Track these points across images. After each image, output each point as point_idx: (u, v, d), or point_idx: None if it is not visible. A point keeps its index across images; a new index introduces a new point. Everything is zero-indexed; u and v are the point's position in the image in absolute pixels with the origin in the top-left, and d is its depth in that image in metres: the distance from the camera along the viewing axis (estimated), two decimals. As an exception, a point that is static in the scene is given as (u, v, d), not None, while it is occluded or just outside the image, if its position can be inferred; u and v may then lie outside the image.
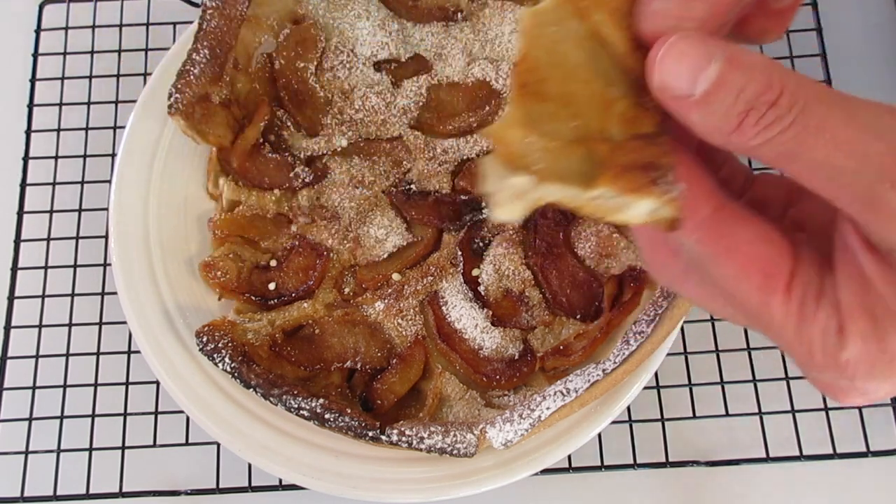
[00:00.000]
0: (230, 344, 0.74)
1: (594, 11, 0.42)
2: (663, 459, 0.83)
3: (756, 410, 0.83)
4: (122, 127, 0.86)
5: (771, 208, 0.46)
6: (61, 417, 0.86)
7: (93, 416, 0.86)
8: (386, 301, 0.80)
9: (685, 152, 0.43)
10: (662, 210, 0.41)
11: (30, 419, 0.86)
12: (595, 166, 0.42)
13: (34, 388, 0.87)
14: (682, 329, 0.83)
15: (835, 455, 0.81)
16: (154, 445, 0.84)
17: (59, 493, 0.83)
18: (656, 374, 0.84)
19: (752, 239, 0.41)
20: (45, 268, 0.91)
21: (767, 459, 0.82)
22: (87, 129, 0.97)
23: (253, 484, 0.82)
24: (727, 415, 0.84)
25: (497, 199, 0.42)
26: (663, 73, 0.39)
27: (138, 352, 0.81)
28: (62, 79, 0.99)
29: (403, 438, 0.70)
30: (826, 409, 0.83)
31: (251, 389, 0.72)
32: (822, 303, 0.39)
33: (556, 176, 0.41)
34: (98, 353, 0.88)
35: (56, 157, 0.96)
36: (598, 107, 0.42)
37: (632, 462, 0.82)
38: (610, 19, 0.42)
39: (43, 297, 0.90)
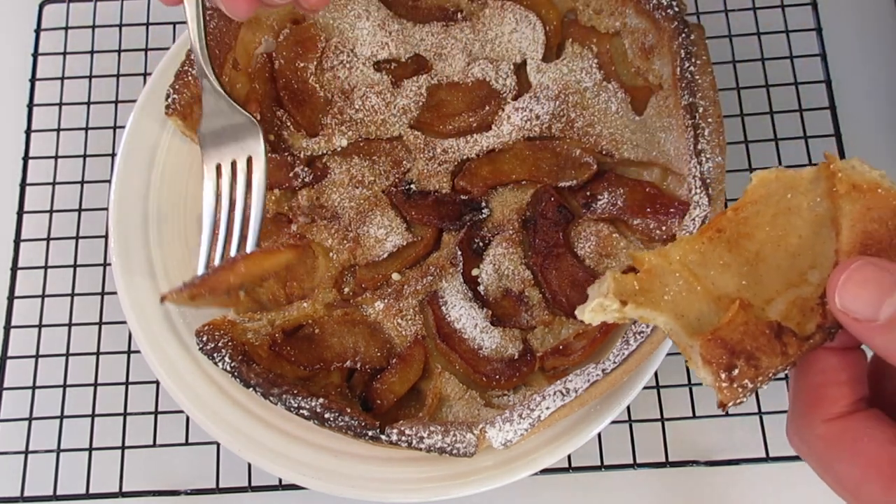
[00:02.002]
0: (230, 343, 0.74)
1: (847, 201, 0.44)
2: (663, 459, 0.83)
3: (756, 410, 0.83)
4: (122, 127, 0.86)
5: None
6: (61, 417, 0.86)
7: (93, 415, 0.86)
8: (386, 301, 0.80)
9: (836, 356, 0.44)
10: (715, 390, 0.43)
11: (30, 419, 0.86)
12: (710, 322, 0.44)
13: (34, 387, 0.87)
14: (681, 329, 0.83)
15: (835, 455, 0.81)
16: (154, 445, 0.84)
17: (59, 493, 0.83)
18: (656, 374, 0.84)
19: (882, 440, 0.41)
20: (45, 268, 0.91)
21: (767, 459, 0.82)
22: (87, 129, 0.97)
23: (253, 484, 0.82)
24: (727, 415, 0.84)
25: (588, 305, 0.46)
26: (845, 297, 0.40)
27: (138, 352, 0.81)
28: (62, 79, 0.99)
29: (403, 438, 0.70)
30: (826, 409, 0.83)
31: (251, 389, 0.72)
32: None
33: (674, 312, 0.44)
34: (98, 353, 0.88)
35: (56, 157, 0.96)
36: (785, 281, 0.44)
37: (632, 462, 0.82)
38: (858, 215, 0.43)
39: (43, 296, 0.90)
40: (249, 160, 0.75)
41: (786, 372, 0.44)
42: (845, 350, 0.44)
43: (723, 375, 0.42)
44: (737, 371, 0.42)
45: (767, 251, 0.45)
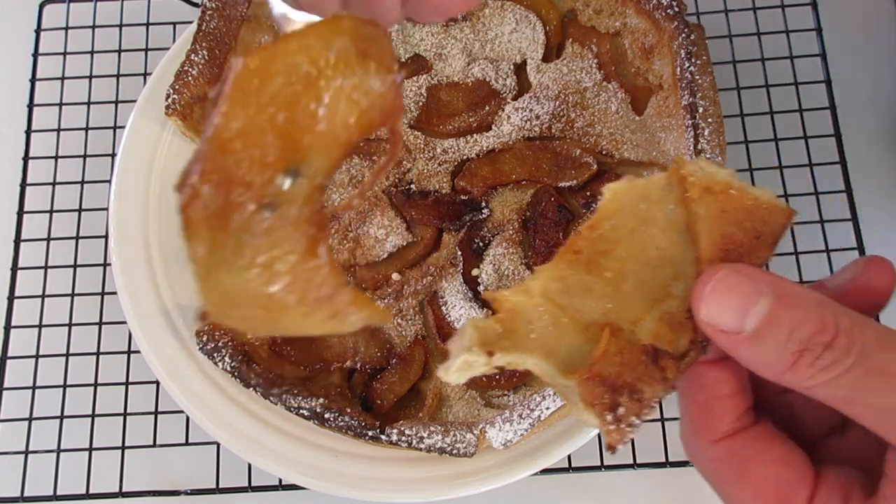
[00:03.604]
0: (230, 343, 0.74)
1: (701, 205, 0.41)
2: (663, 459, 0.82)
3: (756, 410, 0.83)
4: (122, 127, 0.86)
5: (816, 427, 0.44)
6: (61, 417, 0.86)
7: (93, 415, 0.86)
8: (386, 301, 0.81)
9: (714, 369, 0.42)
10: (602, 434, 0.40)
11: (30, 419, 0.86)
12: (584, 356, 0.40)
13: (34, 387, 0.87)
14: (681, 329, 0.83)
15: (835, 455, 0.81)
16: (154, 445, 0.84)
17: (59, 493, 0.83)
18: (656, 374, 0.84)
19: (770, 461, 0.40)
20: (45, 268, 0.91)
21: (767, 459, 0.82)
22: (87, 129, 0.97)
23: (253, 484, 0.82)
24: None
25: (452, 364, 0.41)
26: (711, 309, 0.38)
27: (138, 352, 0.81)
28: (62, 79, 0.99)
29: (403, 438, 0.70)
30: (826, 409, 0.83)
31: (251, 389, 0.72)
32: None
33: (543, 351, 0.40)
34: (98, 353, 0.88)
35: (56, 157, 0.96)
36: (650, 297, 0.41)
37: (632, 462, 0.82)
38: (714, 219, 0.40)
39: (43, 296, 0.90)
40: None
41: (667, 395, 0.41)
42: (722, 361, 0.42)
43: (609, 417, 0.39)
44: (622, 409, 0.39)
45: (629, 268, 0.41)
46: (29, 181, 0.95)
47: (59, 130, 0.97)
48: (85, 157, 0.96)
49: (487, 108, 0.86)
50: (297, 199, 0.39)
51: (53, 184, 0.95)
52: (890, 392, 0.35)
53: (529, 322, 0.41)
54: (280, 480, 0.82)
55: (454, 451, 0.69)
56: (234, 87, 0.36)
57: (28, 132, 0.97)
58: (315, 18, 0.49)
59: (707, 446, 0.41)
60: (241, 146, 0.37)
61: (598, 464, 0.82)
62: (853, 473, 0.41)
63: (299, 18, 0.49)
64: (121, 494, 0.83)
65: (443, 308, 0.80)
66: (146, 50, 0.99)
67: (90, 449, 0.84)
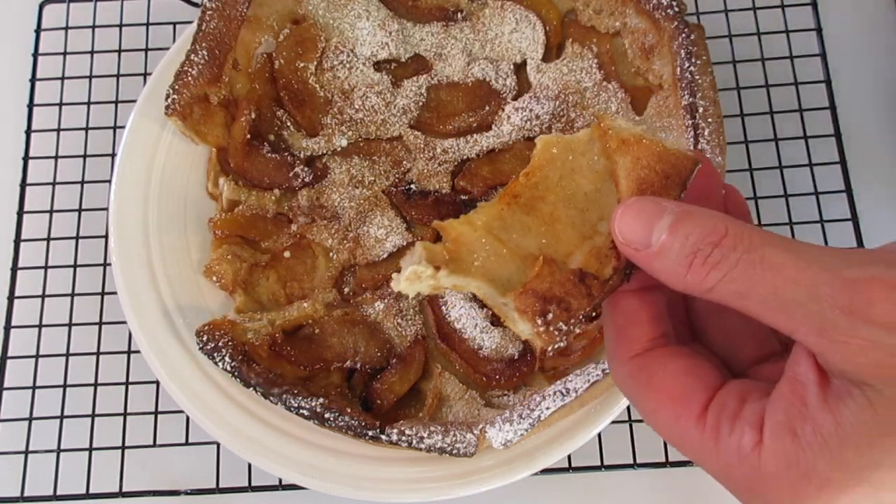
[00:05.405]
0: (230, 343, 0.74)
1: (619, 155, 0.48)
2: (663, 459, 0.83)
3: (756, 410, 0.83)
4: (122, 127, 0.86)
5: (746, 356, 0.49)
6: (61, 417, 0.86)
7: (93, 415, 0.86)
8: (386, 301, 0.81)
9: (634, 298, 0.48)
10: (534, 338, 0.46)
11: (30, 419, 0.86)
12: (521, 281, 0.47)
13: (34, 387, 0.87)
14: (681, 329, 0.83)
15: (835, 455, 0.81)
16: (154, 445, 0.84)
17: (59, 492, 0.83)
18: (656, 374, 0.84)
19: (673, 371, 0.45)
20: (45, 268, 0.91)
21: (767, 459, 0.82)
22: (87, 129, 0.97)
23: (253, 484, 0.82)
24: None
25: (402, 274, 0.47)
26: (623, 227, 0.44)
27: (138, 352, 0.81)
28: (62, 79, 0.99)
29: (403, 438, 0.70)
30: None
31: (251, 388, 0.72)
32: (738, 423, 0.41)
33: (486, 276, 0.47)
34: (98, 353, 0.88)
35: (56, 157, 0.96)
36: (580, 235, 0.48)
37: (632, 462, 0.82)
38: (630, 166, 0.47)
39: (43, 296, 0.90)
40: None
41: (594, 313, 0.47)
42: (643, 291, 0.48)
43: (539, 321, 0.45)
44: (551, 315, 0.45)
45: (560, 211, 0.48)
46: (29, 181, 0.95)
47: (59, 130, 0.97)
48: (85, 157, 0.96)
49: (487, 108, 0.86)
50: None
51: (53, 184, 0.95)
52: (771, 279, 0.39)
53: (473, 252, 0.48)
54: (280, 480, 0.82)
55: (454, 451, 0.69)
56: None
57: (28, 132, 0.97)
58: None
59: (624, 363, 0.47)
60: None
61: (598, 464, 0.82)
62: (758, 382, 0.44)
63: None
64: (121, 494, 0.83)
65: (443, 308, 0.80)
66: (146, 50, 1.00)
67: (90, 449, 0.84)
